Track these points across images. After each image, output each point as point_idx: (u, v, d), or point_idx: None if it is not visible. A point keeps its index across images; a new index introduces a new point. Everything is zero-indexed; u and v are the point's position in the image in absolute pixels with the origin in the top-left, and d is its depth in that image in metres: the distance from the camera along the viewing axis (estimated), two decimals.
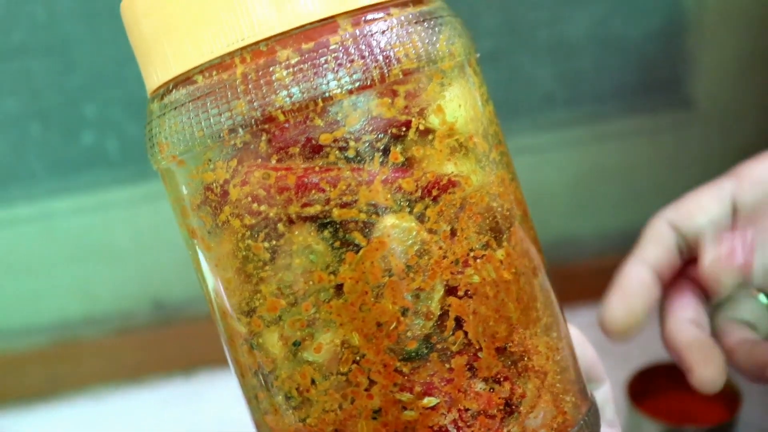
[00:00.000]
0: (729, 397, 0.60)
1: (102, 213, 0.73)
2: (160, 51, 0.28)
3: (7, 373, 0.75)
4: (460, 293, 0.27)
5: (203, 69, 0.27)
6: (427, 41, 0.27)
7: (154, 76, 0.28)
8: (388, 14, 0.27)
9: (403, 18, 0.27)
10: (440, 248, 0.27)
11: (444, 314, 0.27)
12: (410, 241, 0.26)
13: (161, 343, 0.78)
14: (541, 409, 0.28)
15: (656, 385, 0.63)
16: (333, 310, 0.26)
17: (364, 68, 0.26)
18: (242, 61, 0.26)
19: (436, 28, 0.28)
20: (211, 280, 0.29)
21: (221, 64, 0.26)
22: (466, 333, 0.27)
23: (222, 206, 0.27)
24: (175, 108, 0.27)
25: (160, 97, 0.28)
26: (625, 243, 0.82)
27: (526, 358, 0.28)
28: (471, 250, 0.27)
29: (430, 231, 0.27)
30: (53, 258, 0.74)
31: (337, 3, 0.26)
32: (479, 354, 0.27)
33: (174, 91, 0.28)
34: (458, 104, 0.28)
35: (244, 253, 0.27)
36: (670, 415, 0.61)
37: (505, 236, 0.28)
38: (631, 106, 0.76)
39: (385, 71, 0.26)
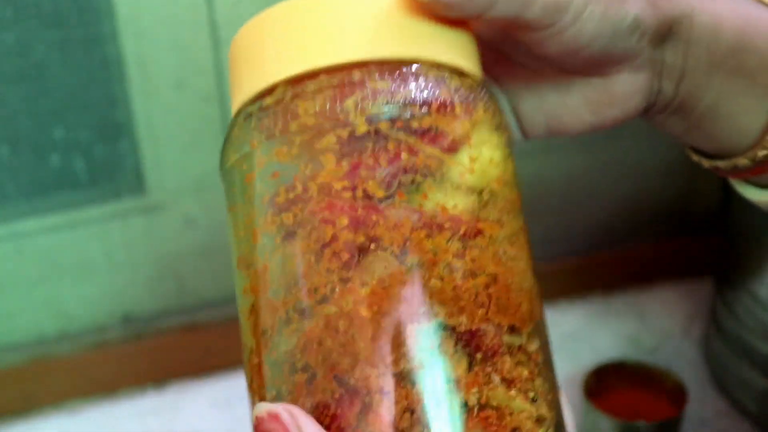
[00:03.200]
0: (676, 394, 0.64)
1: (72, 231, 0.74)
2: None
3: None
4: None
5: None
6: None
7: None
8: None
9: None
10: None
11: None
12: None
13: (133, 357, 0.79)
14: None
15: (610, 384, 0.66)
16: None
17: None
18: None
19: None
20: None
21: None
22: None
23: None
24: None
25: None
26: (568, 247, 0.86)
27: None
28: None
29: None
30: (25, 277, 0.75)
31: None
32: None
33: None
34: None
35: None
36: (623, 411, 0.64)
37: None
38: None
39: None
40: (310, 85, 0.31)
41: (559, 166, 0.83)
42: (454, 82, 0.32)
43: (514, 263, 0.31)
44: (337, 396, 0.28)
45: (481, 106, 0.32)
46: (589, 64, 0.36)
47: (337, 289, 0.29)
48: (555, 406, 0.31)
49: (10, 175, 0.71)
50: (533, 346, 0.30)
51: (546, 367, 0.31)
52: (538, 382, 0.30)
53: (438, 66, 0.32)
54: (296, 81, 0.32)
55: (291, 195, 0.30)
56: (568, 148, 0.82)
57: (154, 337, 0.80)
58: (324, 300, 0.29)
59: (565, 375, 0.74)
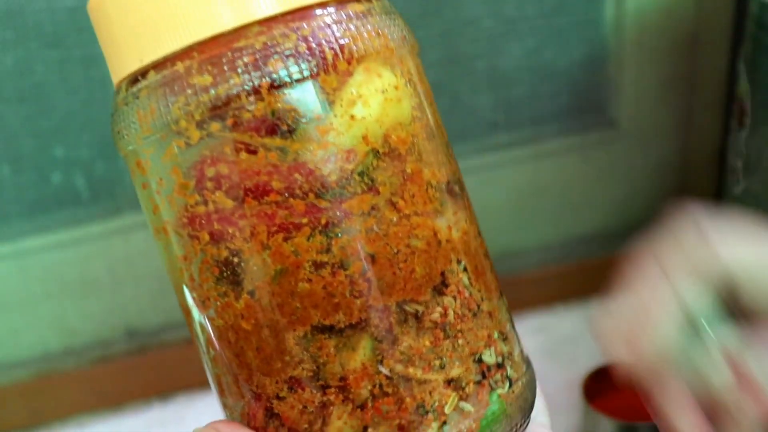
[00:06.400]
0: None
1: (75, 248, 0.75)
2: None
3: None
4: None
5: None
6: None
7: None
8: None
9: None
10: None
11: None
12: None
13: (138, 370, 0.79)
14: None
15: (608, 385, 0.66)
16: None
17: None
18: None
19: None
20: None
21: None
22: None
23: None
24: None
25: None
26: (564, 252, 0.86)
27: None
28: None
29: None
30: (30, 294, 0.75)
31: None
32: None
33: None
34: None
35: None
36: (622, 412, 0.64)
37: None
38: (564, 128, 0.81)
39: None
40: (143, 86, 0.28)
41: (554, 171, 0.83)
42: (290, 43, 0.27)
43: (399, 228, 0.28)
44: (247, 399, 0.29)
45: (347, 47, 0.27)
46: None
47: (218, 303, 0.28)
48: (493, 347, 0.29)
49: (12, 194, 0.71)
50: (437, 309, 0.28)
51: (464, 317, 0.29)
52: (447, 344, 0.28)
53: (272, 20, 0.27)
54: (133, 80, 0.29)
55: (159, 209, 0.29)
56: (562, 154, 0.83)
57: (159, 350, 0.80)
58: (213, 312, 0.29)
59: (564, 378, 0.74)
